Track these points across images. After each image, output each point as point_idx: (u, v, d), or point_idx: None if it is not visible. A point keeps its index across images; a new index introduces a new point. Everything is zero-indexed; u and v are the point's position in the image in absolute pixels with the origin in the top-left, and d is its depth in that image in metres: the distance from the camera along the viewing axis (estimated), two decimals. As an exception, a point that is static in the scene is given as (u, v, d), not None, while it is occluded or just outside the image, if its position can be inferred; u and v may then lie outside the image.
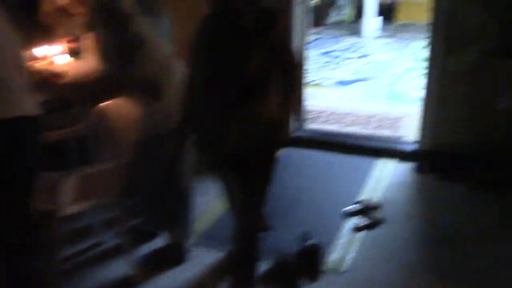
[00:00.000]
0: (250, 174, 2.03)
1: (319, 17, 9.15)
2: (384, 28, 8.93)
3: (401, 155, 3.89)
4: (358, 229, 2.93)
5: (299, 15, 3.98)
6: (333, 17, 9.92)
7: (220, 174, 2.18)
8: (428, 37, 3.61)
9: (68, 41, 2.34)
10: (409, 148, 3.92)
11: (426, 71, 3.69)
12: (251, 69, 1.87)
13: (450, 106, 3.62)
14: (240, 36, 1.89)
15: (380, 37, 8.53)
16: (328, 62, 6.95)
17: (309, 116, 4.51)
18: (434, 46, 3.59)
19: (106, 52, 2.11)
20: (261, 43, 1.88)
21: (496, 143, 3.38)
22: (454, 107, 3.61)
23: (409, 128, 4.34)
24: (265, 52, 1.88)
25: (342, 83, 5.94)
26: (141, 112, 2.23)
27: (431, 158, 3.70)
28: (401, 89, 5.64)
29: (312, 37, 8.43)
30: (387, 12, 9.46)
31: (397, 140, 4.17)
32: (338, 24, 9.70)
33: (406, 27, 9.20)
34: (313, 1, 4.31)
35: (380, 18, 8.64)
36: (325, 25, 9.57)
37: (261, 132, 1.98)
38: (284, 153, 3.98)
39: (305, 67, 4.21)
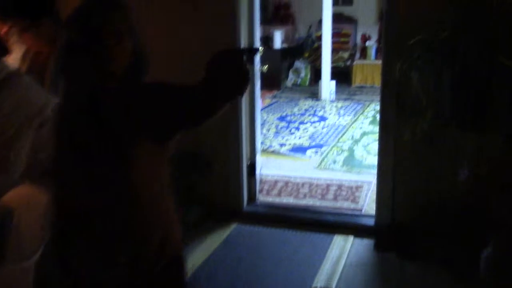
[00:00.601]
0: None
1: (274, 81, 9.08)
2: (341, 91, 8.92)
3: (360, 230, 3.63)
4: (312, 323, 2.60)
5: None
6: (291, 80, 9.89)
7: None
8: (379, 104, 3.47)
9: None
10: (368, 222, 3.67)
11: (379, 139, 3.52)
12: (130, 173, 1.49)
13: (407, 177, 3.42)
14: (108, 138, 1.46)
15: (337, 100, 8.49)
16: (284, 127, 6.77)
17: (262, 188, 4.24)
18: (386, 114, 3.43)
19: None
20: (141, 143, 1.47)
21: (458, 218, 3.16)
22: (411, 177, 3.42)
23: (368, 199, 4.11)
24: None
25: (299, 149, 5.73)
26: (47, 200, 1.90)
27: (390, 233, 3.45)
28: (358, 155, 5.46)
29: (268, 101, 8.32)
30: (344, 75, 9.50)
31: (355, 213, 3.93)
32: (296, 88, 9.66)
33: (362, 90, 9.22)
34: (265, 66, 4.11)
35: (334, 82, 8.62)
36: (283, 88, 9.51)
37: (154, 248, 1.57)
38: (234, 232, 3.70)
39: (258, 134, 3.98)
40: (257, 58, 3.83)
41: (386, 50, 3.42)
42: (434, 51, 3.14)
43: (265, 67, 4.18)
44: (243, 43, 3.67)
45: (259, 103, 4.00)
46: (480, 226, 2.92)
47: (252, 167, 3.93)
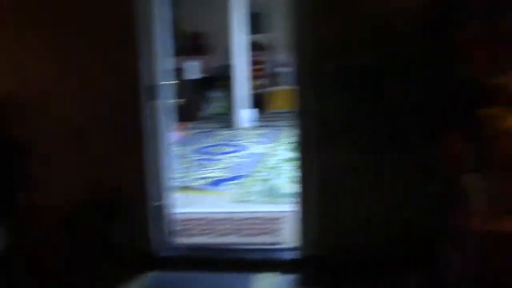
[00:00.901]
0: None
1: (191, 112, 8.82)
2: (259, 118, 8.83)
3: (283, 266, 3.40)
4: None
5: (153, 114, 3.48)
6: (208, 110, 9.69)
7: None
8: (295, 131, 3.33)
9: None
10: (292, 256, 3.45)
11: (298, 167, 3.37)
12: None
13: (329, 206, 3.26)
14: None
15: (255, 128, 8.37)
16: (200, 159, 6.50)
17: (176, 228, 3.92)
18: (304, 141, 3.29)
19: None
20: None
21: (388, 246, 3.01)
22: (334, 206, 3.26)
23: (290, 231, 3.91)
24: None
25: (216, 182, 5.48)
26: None
27: (315, 267, 3.26)
28: (278, 184, 5.29)
29: (184, 134, 8.03)
30: (259, 102, 9.44)
31: (276, 247, 3.70)
32: (213, 117, 9.44)
33: (279, 116, 9.16)
34: (181, 99, 3.86)
35: (254, 109, 8.53)
36: (199, 119, 9.26)
37: None
38: (147, 282, 3.34)
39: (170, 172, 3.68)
40: (165, 91, 3.57)
41: (298, 77, 3.28)
42: (349, 76, 3.04)
43: (181, 100, 3.93)
44: (145, 78, 3.39)
45: (167, 138, 3.71)
46: (410, 255, 2.80)
47: (161, 208, 3.61)
